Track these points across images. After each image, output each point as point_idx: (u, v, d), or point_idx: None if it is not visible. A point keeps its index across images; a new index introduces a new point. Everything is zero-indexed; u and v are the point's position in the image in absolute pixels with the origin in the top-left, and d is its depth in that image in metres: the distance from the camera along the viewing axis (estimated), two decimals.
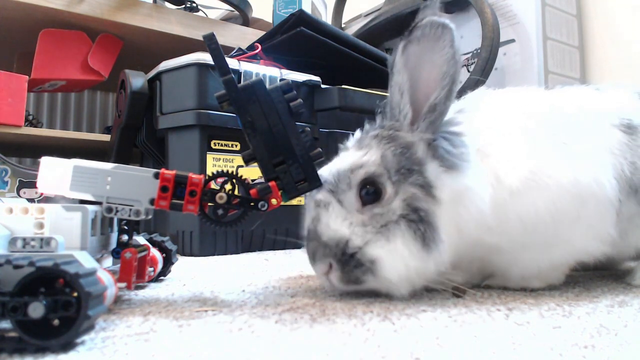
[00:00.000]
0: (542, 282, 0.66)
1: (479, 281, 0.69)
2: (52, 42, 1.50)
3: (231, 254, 1.12)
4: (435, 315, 0.53)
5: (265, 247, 1.19)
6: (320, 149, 0.57)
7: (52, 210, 0.51)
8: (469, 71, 1.72)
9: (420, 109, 0.59)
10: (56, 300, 0.40)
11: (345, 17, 2.26)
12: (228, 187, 0.58)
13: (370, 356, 0.39)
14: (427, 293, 0.63)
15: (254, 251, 1.17)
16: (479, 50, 1.59)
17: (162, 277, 0.76)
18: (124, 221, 0.59)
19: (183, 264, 0.93)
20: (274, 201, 0.57)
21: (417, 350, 0.41)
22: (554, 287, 0.67)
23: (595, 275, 0.79)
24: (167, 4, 1.76)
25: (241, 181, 0.58)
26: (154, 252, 0.70)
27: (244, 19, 1.79)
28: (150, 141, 1.26)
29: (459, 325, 0.49)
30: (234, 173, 0.58)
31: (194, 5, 1.76)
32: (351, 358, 0.39)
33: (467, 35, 1.74)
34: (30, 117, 1.92)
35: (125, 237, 0.59)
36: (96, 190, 0.55)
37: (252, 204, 0.57)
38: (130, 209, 0.55)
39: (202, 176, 0.56)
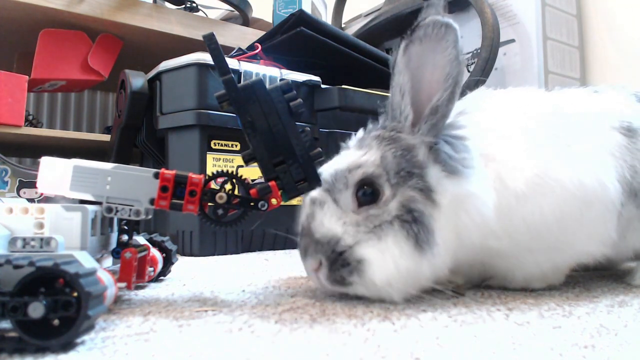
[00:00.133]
0: (544, 283, 0.66)
1: (479, 283, 0.69)
2: (52, 42, 1.50)
3: (231, 254, 1.12)
4: (435, 315, 0.53)
5: (265, 247, 1.19)
6: (320, 149, 0.57)
7: (52, 210, 0.51)
8: (469, 71, 1.72)
9: (422, 110, 0.58)
10: (56, 300, 0.40)
11: (345, 17, 2.26)
12: (228, 187, 0.58)
13: (370, 356, 0.39)
14: (427, 293, 0.63)
15: (254, 251, 1.17)
16: (479, 50, 1.59)
17: (162, 277, 0.76)
18: (124, 221, 0.59)
19: (183, 264, 0.93)
20: (274, 201, 0.57)
21: (417, 350, 0.41)
22: (554, 287, 0.67)
23: (595, 275, 0.79)
24: (167, 4, 1.76)
25: (241, 181, 0.58)
26: (154, 252, 0.70)
27: (244, 19, 1.79)
28: (150, 141, 1.26)
29: (459, 325, 0.49)
30: (234, 173, 0.58)
31: (194, 5, 1.76)
32: (351, 358, 0.39)
33: (467, 35, 1.74)
34: (30, 117, 1.92)
35: (125, 237, 0.59)
36: (96, 190, 0.55)
37: (252, 203, 0.57)
38: (130, 209, 0.55)
39: (202, 176, 0.56)
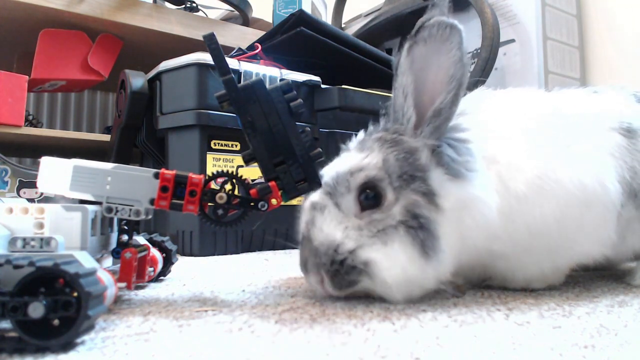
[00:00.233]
0: (544, 283, 0.66)
1: (479, 283, 0.69)
2: (52, 42, 1.50)
3: (231, 254, 1.12)
4: (435, 315, 0.53)
5: (265, 247, 1.19)
6: (320, 149, 0.57)
7: (52, 210, 0.51)
8: (469, 71, 1.72)
9: (425, 112, 0.57)
10: (56, 300, 0.40)
11: (345, 17, 2.26)
12: (228, 187, 0.58)
13: (370, 356, 0.39)
14: (427, 293, 0.63)
15: (254, 251, 1.17)
16: (479, 50, 1.59)
17: (162, 277, 0.76)
18: (124, 221, 0.59)
19: (183, 264, 0.93)
20: (274, 201, 0.57)
21: (417, 350, 0.41)
22: (554, 287, 0.67)
23: (595, 275, 0.79)
24: (167, 4, 1.76)
25: (241, 181, 0.58)
26: (154, 252, 0.70)
27: (244, 19, 1.79)
28: (150, 141, 1.26)
29: (459, 325, 0.49)
30: (234, 173, 0.58)
31: (194, 5, 1.76)
32: (351, 358, 0.39)
33: (467, 35, 1.73)
34: (30, 117, 1.92)
35: (125, 237, 0.59)
36: (96, 190, 0.55)
37: (252, 204, 0.57)
38: (130, 209, 0.55)
39: (202, 176, 0.56)
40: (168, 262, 0.74)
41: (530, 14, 1.69)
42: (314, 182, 0.57)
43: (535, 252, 0.61)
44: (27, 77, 1.44)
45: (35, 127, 1.90)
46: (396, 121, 0.59)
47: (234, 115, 0.57)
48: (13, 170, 1.43)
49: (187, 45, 1.54)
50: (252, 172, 1.08)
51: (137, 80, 1.22)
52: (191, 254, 1.10)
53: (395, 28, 1.89)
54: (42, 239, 0.47)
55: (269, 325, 0.49)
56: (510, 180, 0.58)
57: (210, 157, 1.12)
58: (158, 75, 1.20)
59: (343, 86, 1.26)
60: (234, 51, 1.29)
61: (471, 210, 0.56)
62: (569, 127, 0.64)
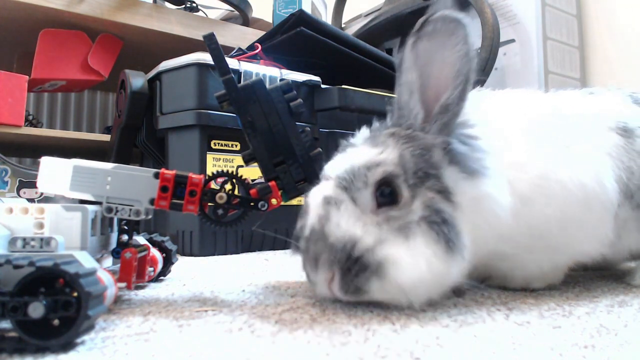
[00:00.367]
0: (543, 282, 0.66)
1: (479, 283, 0.69)
2: (52, 42, 1.50)
3: (231, 254, 1.12)
4: (435, 315, 0.53)
5: (265, 247, 1.19)
6: (320, 149, 0.57)
7: (52, 210, 0.51)
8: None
9: (431, 109, 0.56)
10: (56, 300, 0.40)
11: (345, 17, 2.26)
12: (228, 187, 0.58)
13: (370, 356, 0.39)
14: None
15: (254, 251, 1.17)
16: (479, 50, 1.59)
17: (162, 277, 0.76)
18: (124, 221, 0.59)
19: (183, 264, 0.93)
20: (274, 201, 0.57)
21: (417, 350, 0.41)
22: (554, 287, 0.67)
23: (595, 275, 0.79)
24: (167, 4, 1.76)
25: (241, 181, 0.58)
26: (154, 252, 0.70)
27: (244, 19, 1.79)
28: (150, 141, 1.26)
29: (459, 325, 0.49)
30: (234, 173, 0.58)
31: (194, 5, 1.76)
32: (351, 358, 0.39)
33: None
34: (30, 117, 1.92)
35: (125, 237, 0.59)
36: (96, 190, 0.55)
37: (252, 204, 0.57)
38: (130, 209, 0.55)
39: (202, 176, 0.56)
40: (168, 262, 0.74)
41: (530, 14, 1.69)
42: (314, 182, 0.57)
43: (535, 252, 0.61)
44: (27, 77, 1.44)
45: (35, 127, 1.90)
46: (401, 118, 0.58)
47: (234, 115, 0.57)
48: (13, 170, 1.43)
49: (187, 45, 1.54)
50: (252, 172, 1.08)
51: (137, 80, 1.23)
52: (191, 254, 1.10)
53: (395, 28, 1.89)
54: (42, 239, 0.47)
55: (269, 325, 0.49)
56: (515, 181, 0.57)
57: (210, 157, 1.12)
58: (158, 75, 1.20)
59: (343, 86, 1.26)
60: (234, 51, 1.29)
61: (483, 209, 0.55)
62: (568, 128, 0.64)
